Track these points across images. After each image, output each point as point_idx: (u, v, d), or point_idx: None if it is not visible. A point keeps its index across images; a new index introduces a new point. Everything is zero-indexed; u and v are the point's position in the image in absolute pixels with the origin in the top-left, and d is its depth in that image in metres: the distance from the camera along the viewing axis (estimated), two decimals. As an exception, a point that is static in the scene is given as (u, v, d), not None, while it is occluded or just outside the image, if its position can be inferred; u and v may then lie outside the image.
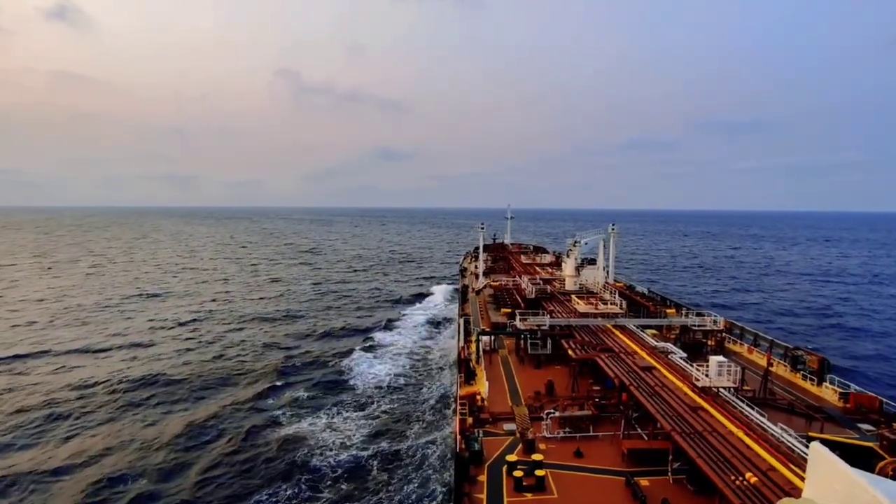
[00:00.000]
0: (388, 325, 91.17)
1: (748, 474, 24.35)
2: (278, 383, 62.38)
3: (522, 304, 63.72)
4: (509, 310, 62.38)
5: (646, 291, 79.04)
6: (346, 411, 54.15)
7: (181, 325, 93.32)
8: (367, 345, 78.28)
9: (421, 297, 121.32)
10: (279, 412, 54.10)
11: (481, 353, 49.23)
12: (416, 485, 39.98)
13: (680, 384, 37.22)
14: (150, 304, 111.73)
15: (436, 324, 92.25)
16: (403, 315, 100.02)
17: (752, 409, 33.12)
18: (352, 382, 62.76)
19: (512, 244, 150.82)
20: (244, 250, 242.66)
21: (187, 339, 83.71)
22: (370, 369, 67.05)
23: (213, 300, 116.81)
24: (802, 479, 23.59)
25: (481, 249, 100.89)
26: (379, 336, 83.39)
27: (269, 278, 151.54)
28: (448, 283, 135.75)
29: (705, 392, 35.68)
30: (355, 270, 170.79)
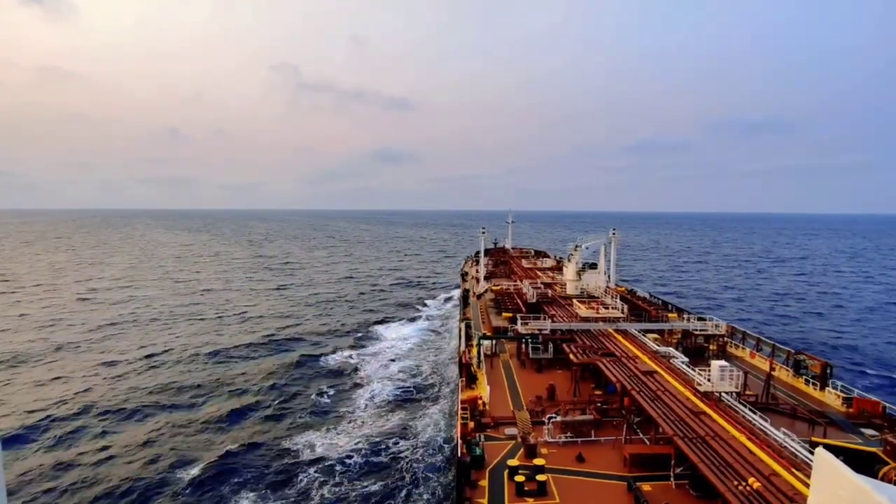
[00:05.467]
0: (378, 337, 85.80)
1: (751, 479, 24.27)
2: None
3: (524, 309, 63.69)
4: (510, 314, 62.40)
5: (647, 296, 78.98)
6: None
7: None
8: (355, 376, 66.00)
9: (419, 302, 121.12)
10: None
11: (482, 357, 49.17)
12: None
13: (682, 389, 37.15)
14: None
15: (436, 331, 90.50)
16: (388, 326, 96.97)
17: (755, 413, 33.01)
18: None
19: (513, 248, 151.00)
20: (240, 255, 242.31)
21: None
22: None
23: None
24: (805, 484, 23.51)
25: (482, 254, 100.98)
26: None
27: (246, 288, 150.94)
28: (449, 289, 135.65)
29: (707, 397, 35.58)
30: (350, 271, 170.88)
